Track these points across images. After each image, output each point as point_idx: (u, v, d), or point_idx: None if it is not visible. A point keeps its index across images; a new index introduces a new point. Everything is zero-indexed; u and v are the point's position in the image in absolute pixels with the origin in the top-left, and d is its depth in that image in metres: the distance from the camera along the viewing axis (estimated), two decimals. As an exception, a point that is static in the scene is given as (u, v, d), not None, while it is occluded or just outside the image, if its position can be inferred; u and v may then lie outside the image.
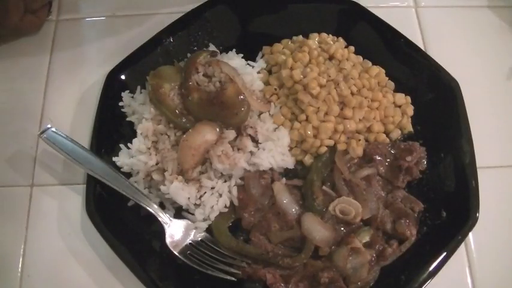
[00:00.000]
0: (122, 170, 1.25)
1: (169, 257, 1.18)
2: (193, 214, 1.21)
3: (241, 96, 1.23)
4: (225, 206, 1.23)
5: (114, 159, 1.25)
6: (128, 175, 1.26)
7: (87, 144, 1.31)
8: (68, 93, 1.43)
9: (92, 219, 1.18)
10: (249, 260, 1.17)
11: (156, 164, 1.23)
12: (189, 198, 1.20)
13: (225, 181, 1.25)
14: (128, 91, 1.35)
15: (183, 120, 1.24)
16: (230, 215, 1.23)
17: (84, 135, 1.35)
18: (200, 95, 1.23)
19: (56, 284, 1.21)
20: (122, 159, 1.25)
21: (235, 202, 1.23)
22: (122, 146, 1.27)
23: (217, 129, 1.21)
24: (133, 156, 1.24)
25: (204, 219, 1.21)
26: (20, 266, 1.22)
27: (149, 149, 1.25)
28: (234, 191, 1.23)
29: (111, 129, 1.31)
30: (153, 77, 1.29)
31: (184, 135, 1.20)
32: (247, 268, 1.14)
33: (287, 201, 1.21)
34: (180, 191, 1.18)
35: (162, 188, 1.20)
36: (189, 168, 1.19)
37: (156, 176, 1.22)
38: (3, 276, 1.22)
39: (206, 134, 1.20)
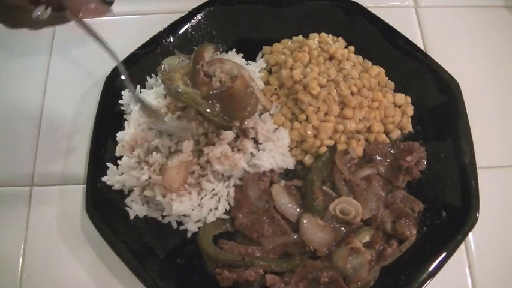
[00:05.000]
0: (113, 188, 1.23)
1: (169, 257, 1.19)
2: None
3: (249, 89, 1.23)
4: (225, 211, 1.23)
5: (103, 179, 1.23)
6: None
7: (87, 143, 1.31)
8: (68, 93, 1.43)
9: (92, 219, 1.18)
10: (228, 266, 1.15)
11: (149, 178, 1.20)
12: (191, 203, 1.20)
13: (225, 182, 1.25)
14: (128, 90, 1.35)
15: (209, 104, 1.20)
16: (222, 224, 1.23)
17: (84, 135, 1.35)
18: (209, 89, 1.22)
19: (56, 284, 1.21)
20: (112, 177, 1.23)
21: (232, 203, 1.23)
22: (109, 164, 1.25)
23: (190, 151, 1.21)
24: (124, 172, 1.23)
25: (198, 220, 1.21)
26: (20, 266, 1.22)
27: (140, 163, 1.23)
28: (232, 191, 1.23)
29: (111, 130, 1.31)
30: (164, 73, 1.26)
31: (165, 161, 1.20)
32: (230, 273, 1.12)
33: (286, 203, 1.21)
34: (181, 207, 1.18)
35: (166, 208, 1.20)
36: (179, 186, 1.19)
37: (148, 193, 1.21)
38: (3, 276, 1.22)
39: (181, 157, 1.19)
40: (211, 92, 1.22)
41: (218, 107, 1.21)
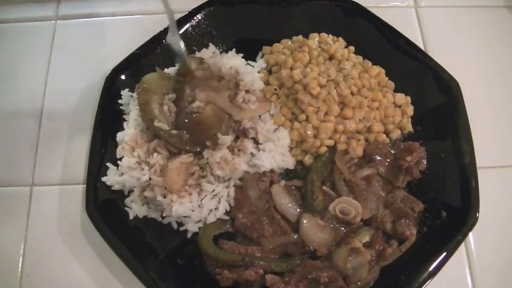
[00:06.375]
0: (113, 188, 1.23)
1: (169, 257, 1.19)
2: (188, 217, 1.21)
3: (219, 115, 1.22)
4: (225, 212, 1.23)
5: (103, 179, 1.23)
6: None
7: (87, 143, 1.31)
8: (68, 93, 1.43)
9: (92, 219, 1.18)
10: (228, 266, 1.15)
11: (150, 179, 1.20)
12: (191, 204, 1.20)
13: (225, 181, 1.25)
14: (128, 89, 1.35)
15: (180, 140, 1.22)
16: (222, 225, 1.22)
17: (84, 135, 1.35)
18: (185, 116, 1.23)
19: (56, 284, 1.21)
20: (112, 177, 1.23)
21: (232, 203, 1.23)
22: (109, 165, 1.25)
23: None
24: (124, 173, 1.22)
25: (199, 220, 1.21)
26: (20, 266, 1.22)
27: (140, 164, 1.23)
28: (232, 192, 1.23)
29: (111, 130, 1.31)
30: (141, 93, 1.25)
31: (165, 162, 1.20)
32: (230, 273, 1.12)
33: (286, 203, 1.21)
34: (181, 209, 1.18)
35: (166, 209, 1.19)
36: (180, 187, 1.19)
37: (148, 193, 1.21)
38: (3, 276, 1.22)
39: (182, 159, 1.20)
40: (181, 120, 1.22)
41: (186, 136, 1.21)
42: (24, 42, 1.52)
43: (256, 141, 1.28)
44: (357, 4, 1.45)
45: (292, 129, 1.30)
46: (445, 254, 1.13)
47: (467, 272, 1.22)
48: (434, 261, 1.13)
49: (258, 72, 1.39)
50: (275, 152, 1.26)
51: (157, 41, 1.40)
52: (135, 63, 1.37)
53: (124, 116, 1.33)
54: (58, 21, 1.56)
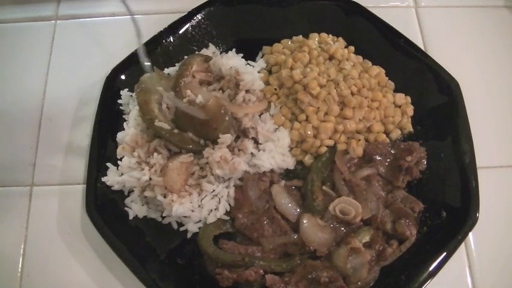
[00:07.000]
0: (112, 188, 1.23)
1: (169, 257, 1.19)
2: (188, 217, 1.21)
3: (223, 110, 1.22)
4: (225, 212, 1.22)
5: (103, 179, 1.23)
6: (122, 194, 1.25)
7: (88, 143, 1.32)
8: (68, 93, 1.43)
9: (92, 219, 1.18)
10: (228, 266, 1.15)
11: (150, 179, 1.20)
12: (191, 204, 1.20)
13: (225, 181, 1.25)
14: (127, 89, 1.35)
15: (182, 138, 1.22)
16: (222, 225, 1.22)
17: (84, 135, 1.35)
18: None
19: (56, 284, 1.21)
20: (112, 177, 1.23)
21: (232, 203, 1.23)
22: (109, 165, 1.25)
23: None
24: (124, 173, 1.22)
25: (199, 221, 1.21)
26: (20, 266, 1.22)
27: (140, 164, 1.23)
28: (232, 192, 1.23)
29: (111, 130, 1.31)
30: (140, 93, 1.25)
31: (166, 162, 1.20)
32: (230, 273, 1.12)
33: (286, 203, 1.21)
34: (181, 209, 1.17)
35: (166, 209, 1.19)
36: (181, 187, 1.19)
37: (149, 193, 1.20)
38: (3, 276, 1.22)
39: (182, 158, 1.20)
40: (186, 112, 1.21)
41: (188, 134, 1.21)
42: (24, 42, 1.52)
43: (256, 141, 1.28)
44: (357, 4, 1.45)
45: (292, 129, 1.30)
46: (445, 254, 1.13)
47: (467, 272, 1.22)
48: (434, 261, 1.13)
49: (258, 72, 1.39)
50: (275, 152, 1.26)
51: (157, 41, 1.40)
52: (135, 63, 1.37)
53: (124, 116, 1.33)
54: (58, 21, 1.56)
